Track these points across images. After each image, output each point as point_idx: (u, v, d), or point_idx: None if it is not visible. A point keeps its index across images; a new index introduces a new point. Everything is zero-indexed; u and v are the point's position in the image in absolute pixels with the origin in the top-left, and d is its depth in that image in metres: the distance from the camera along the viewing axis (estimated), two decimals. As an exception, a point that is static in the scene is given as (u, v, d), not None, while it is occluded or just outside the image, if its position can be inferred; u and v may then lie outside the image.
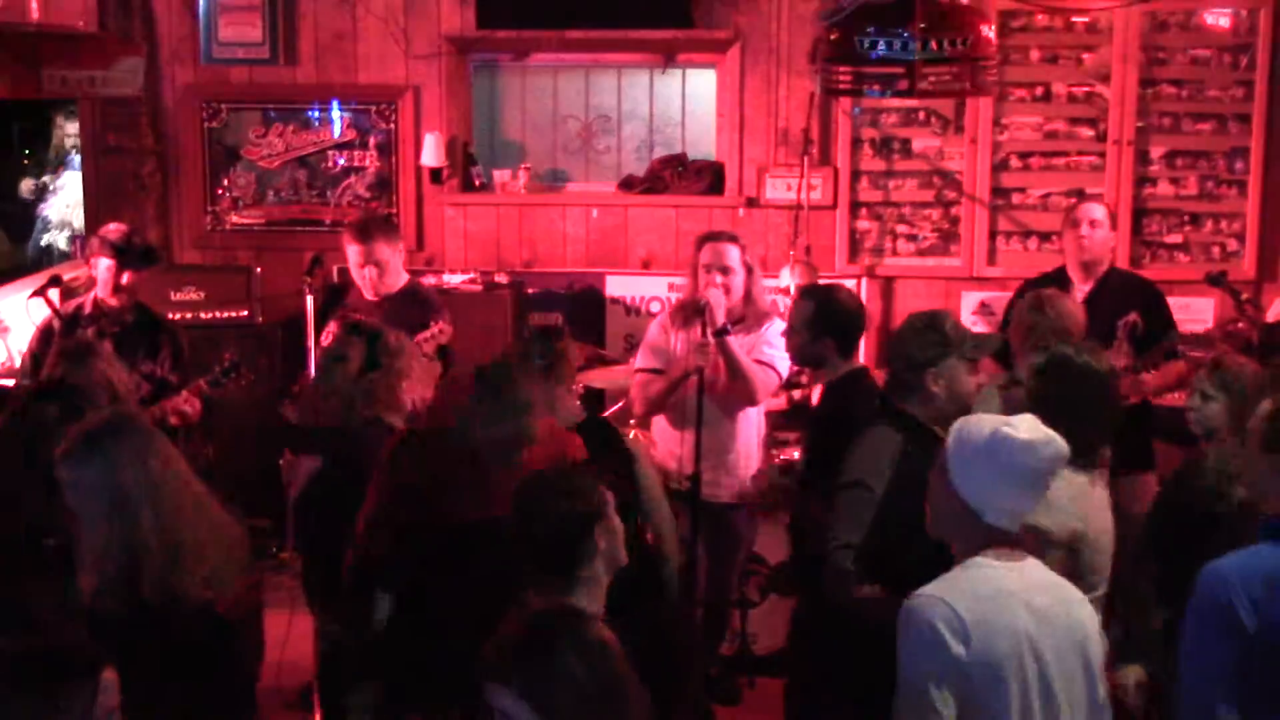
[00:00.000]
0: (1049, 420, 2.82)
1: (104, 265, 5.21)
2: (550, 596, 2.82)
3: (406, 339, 4.38)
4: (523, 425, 3.57)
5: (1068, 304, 4.70)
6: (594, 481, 2.99)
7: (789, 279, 6.27)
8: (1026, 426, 2.73)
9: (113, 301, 5.25)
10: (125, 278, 5.24)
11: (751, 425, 4.99)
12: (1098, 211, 5.39)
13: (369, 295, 5.50)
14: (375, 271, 5.44)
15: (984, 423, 2.77)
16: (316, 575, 4.20)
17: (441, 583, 3.43)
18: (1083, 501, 3.45)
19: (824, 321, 4.24)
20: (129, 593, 3.00)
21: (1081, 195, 6.57)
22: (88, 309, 5.27)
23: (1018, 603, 2.68)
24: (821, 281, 5.80)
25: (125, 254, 5.22)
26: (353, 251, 5.47)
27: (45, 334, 5.18)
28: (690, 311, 4.88)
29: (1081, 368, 3.54)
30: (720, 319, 4.72)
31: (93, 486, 3.07)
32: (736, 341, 4.79)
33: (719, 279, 4.85)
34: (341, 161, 7.05)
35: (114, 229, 5.36)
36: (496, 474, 3.43)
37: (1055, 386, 3.50)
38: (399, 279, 5.56)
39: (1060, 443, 2.75)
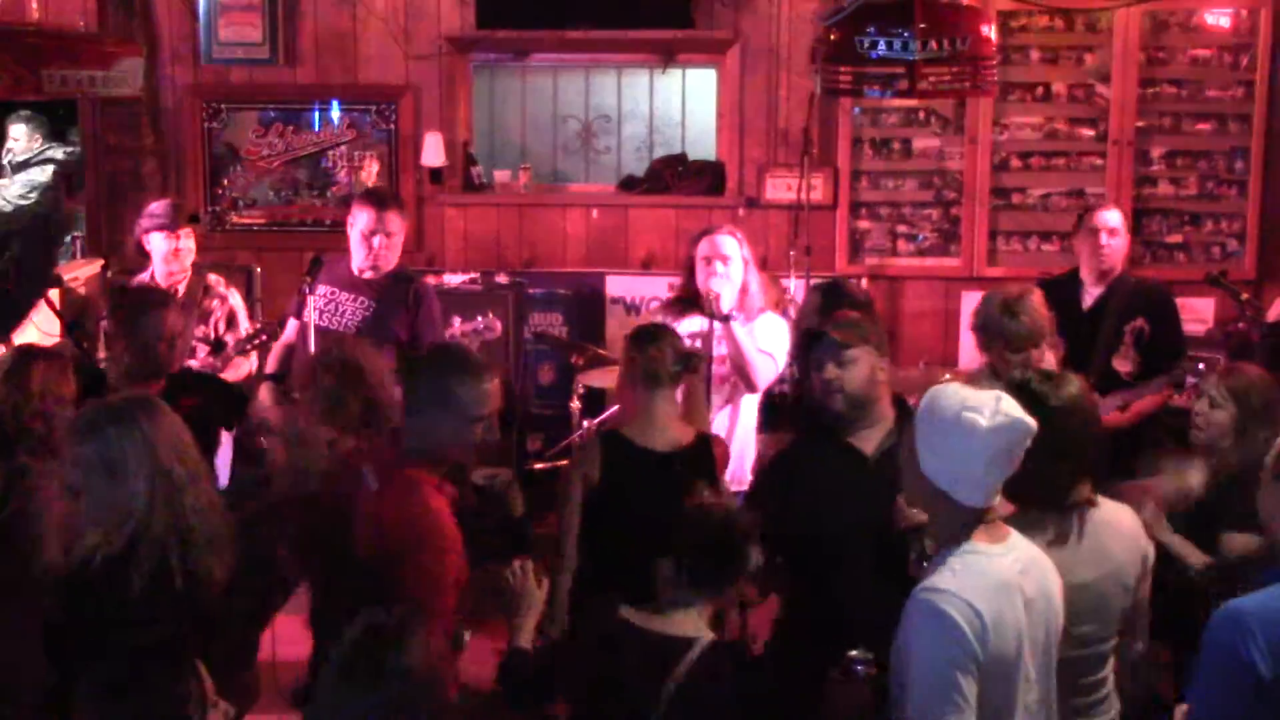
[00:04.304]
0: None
1: (159, 239, 5.34)
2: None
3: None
4: None
5: (1037, 304, 4.46)
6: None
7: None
8: (989, 409, 2.67)
9: (170, 277, 5.36)
10: (180, 241, 5.35)
11: (749, 415, 4.98)
12: (1115, 219, 5.22)
13: (366, 265, 5.18)
14: (384, 240, 5.16)
15: (948, 404, 2.71)
16: None
17: None
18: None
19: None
20: (154, 572, 2.97)
21: (1081, 195, 6.58)
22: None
23: (1015, 594, 2.68)
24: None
25: (174, 221, 5.36)
26: (364, 217, 5.16)
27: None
28: (687, 303, 4.89)
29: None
30: (724, 306, 4.72)
31: (131, 465, 2.99)
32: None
33: (719, 267, 4.85)
34: (342, 161, 7.06)
35: (157, 208, 5.48)
36: None
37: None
38: (394, 261, 5.27)
39: (1027, 420, 2.69)
